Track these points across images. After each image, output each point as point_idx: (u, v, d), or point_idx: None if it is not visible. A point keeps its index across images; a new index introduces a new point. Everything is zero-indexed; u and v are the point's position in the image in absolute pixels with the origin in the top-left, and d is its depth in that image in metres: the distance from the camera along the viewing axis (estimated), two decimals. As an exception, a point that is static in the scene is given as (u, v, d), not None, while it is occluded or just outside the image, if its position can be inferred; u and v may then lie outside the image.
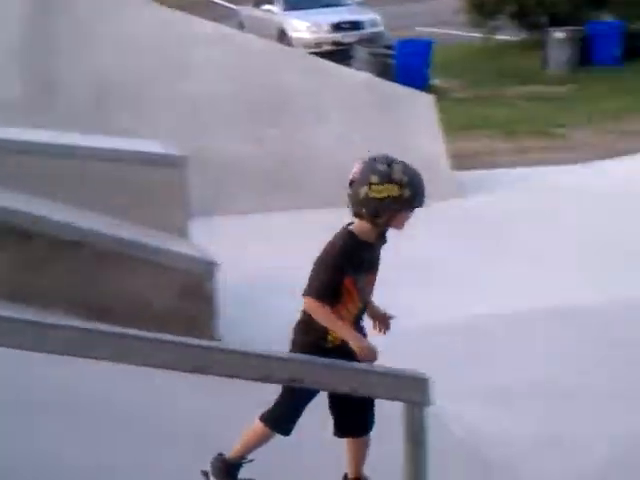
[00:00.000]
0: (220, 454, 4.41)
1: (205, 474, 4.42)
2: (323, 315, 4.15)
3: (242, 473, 4.40)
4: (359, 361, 4.01)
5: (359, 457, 4.37)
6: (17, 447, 4.63)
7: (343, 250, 4.17)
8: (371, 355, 4.11)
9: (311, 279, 4.20)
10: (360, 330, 4.29)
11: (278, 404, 4.31)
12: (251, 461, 4.39)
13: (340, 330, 4.16)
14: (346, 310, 4.22)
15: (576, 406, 5.43)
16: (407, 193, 4.10)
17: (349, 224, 4.26)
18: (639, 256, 7.89)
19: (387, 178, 4.09)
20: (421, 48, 20.58)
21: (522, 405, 5.58)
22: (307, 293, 4.17)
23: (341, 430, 4.35)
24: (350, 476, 4.39)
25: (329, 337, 4.22)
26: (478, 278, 7.98)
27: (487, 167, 12.83)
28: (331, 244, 4.22)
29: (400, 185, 4.09)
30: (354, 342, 4.13)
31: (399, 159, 4.16)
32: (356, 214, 4.20)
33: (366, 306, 4.32)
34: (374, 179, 4.09)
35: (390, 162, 4.13)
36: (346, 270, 4.15)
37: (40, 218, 6.32)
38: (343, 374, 3.66)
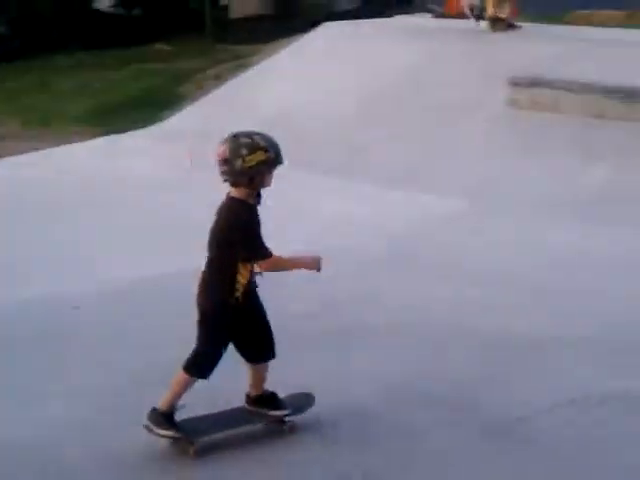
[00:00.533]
0: (154, 408, 5.08)
1: (147, 427, 5.07)
2: (279, 263, 5.05)
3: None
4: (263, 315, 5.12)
5: (263, 378, 5.26)
6: None
7: (248, 212, 4.96)
8: (318, 260, 5.08)
9: (247, 249, 4.95)
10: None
11: (199, 353, 5.06)
12: (183, 406, 5.10)
13: (296, 262, 5.16)
14: (276, 256, 5.02)
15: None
16: (271, 155, 4.93)
17: (230, 195, 5.00)
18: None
19: (254, 148, 4.89)
20: None
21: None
22: (260, 258, 4.96)
23: (252, 359, 5.20)
24: (254, 394, 5.28)
25: (236, 294, 5.00)
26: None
27: None
28: (232, 213, 4.97)
29: (265, 150, 4.91)
30: (308, 261, 5.11)
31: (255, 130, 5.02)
32: (234, 184, 4.96)
33: None
34: (244, 151, 4.88)
35: (249, 134, 4.96)
36: (256, 228, 4.97)
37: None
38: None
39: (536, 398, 5.55)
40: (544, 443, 5.07)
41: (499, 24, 13.57)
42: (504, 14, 13.57)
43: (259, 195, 5.03)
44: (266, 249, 4.96)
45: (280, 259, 5.01)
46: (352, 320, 6.63)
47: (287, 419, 5.30)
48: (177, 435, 5.09)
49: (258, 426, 5.27)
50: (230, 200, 5.01)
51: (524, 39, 13.09)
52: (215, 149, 4.95)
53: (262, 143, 4.93)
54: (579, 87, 11.12)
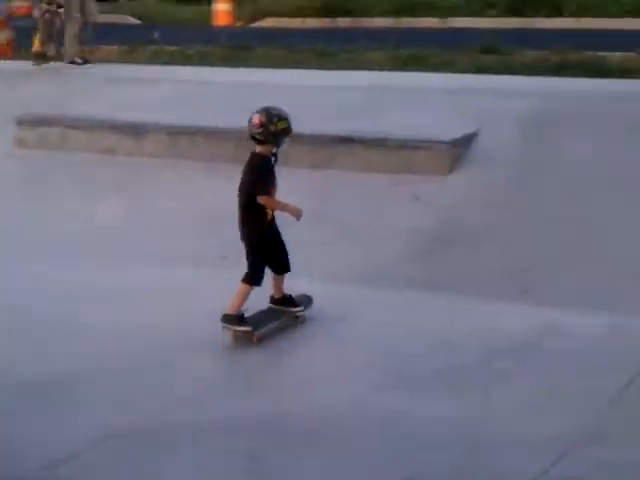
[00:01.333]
0: (225, 313, 6.81)
1: (226, 327, 6.82)
2: (274, 202, 6.91)
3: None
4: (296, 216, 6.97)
5: (282, 285, 7.14)
6: None
7: (264, 163, 6.84)
8: (300, 211, 6.96)
9: (255, 187, 6.79)
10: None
11: (251, 266, 6.86)
12: (247, 310, 6.86)
13: (283, 206, 6.92)
14: (274, 196, 6.91)
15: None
16: (289, 124, 6.84)
17: (254, 152, 6.89)
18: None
19: (281, 117, 6.81)
20: None
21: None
22: (259, 194, 6.78)
23: (277, 271, 7.08)
24: (277, 296, 7.12)
25: (266, 220, 6.90)
26: None
27: None
28: (253, 164, 6.88)
29: (286, 120, 6.83)
30: (293, 209, 6.94)
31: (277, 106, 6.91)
32: (263, 142, 6.80)
33: None
34: (275, 119, 6.77)
35: (276, 108, 6.88)
36: (270, 176, 6.86)
37: None
38: None
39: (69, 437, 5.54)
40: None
41: (42, 60, 13.76)
42: (50, 51, 13.94)
43: (275, 154, 6.85)
44: (265, 190, 6.80)
45: (274, 200, 6.89)
46: None
47: (299, 314, 7.15)
48: (249, 329, 6.82)
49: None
50: (255, 155, 6.89)
51: (25, 78, 13.05)
52: (250, 117, 6.81)
53: (285, 115, 6.85)
54: (86, 124, 11.25)
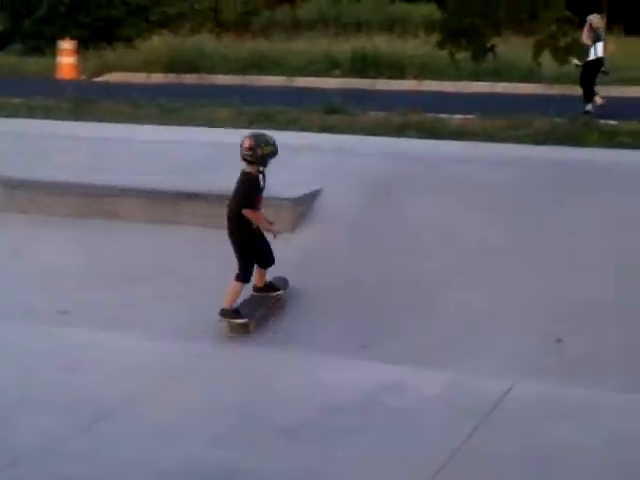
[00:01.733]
0: (223, 308, 7.90)
1: (227, 321, 7.91)
2: (256, 216, 8.04)
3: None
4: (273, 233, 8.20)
5: (265, 276, 8.34)
6: None
7: (252, 180, 8.04)
8: (276, 230, 8.18)
9: (242, 202, 8.01)
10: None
11: (241, 268, 8.01)
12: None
13: (262, 222, 8.08)
14: (259, 211, 8.07)
15: None
16: (275, 148, 8.02)
17: (244, 170, 8.07)
18: None
19: (268, 142, 8.02)
20: None
21: None
22: (245, 207, 7.98)
23: (263, 265, 8.27)
24: (259, 285, 8.33)
25: (252, 228, 8.05)
26: None
27: None
28: (243, 180, 8.09)
29: (273, 144, 8.01)
30: (268, 225, 8.13)
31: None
32: (252, 163, 7.99)
33: None
34: (262, 144, 7.97)
35: (264, 134, 8.20)
36: (256, 192, 8.06)
37: None
38: None
39: None
40: None
41: None
42: None
43: (262, 172, 8.04)
44: (250, 204, 7.99)
45: (256, 214, 8.04)
46: None
47: (279, 296, 8.31)
48: (245, 320, 7.93)
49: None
50: (245, 174, 8.07)
51: None
52: (241, 141, 7.97)
53: (272, 141, 8.04)
54: None
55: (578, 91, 18.54)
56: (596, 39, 17.77)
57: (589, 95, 17.88)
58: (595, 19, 18.04)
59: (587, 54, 17.24)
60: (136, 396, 6.68)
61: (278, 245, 8.43)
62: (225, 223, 8.22)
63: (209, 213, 9.70)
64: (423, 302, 8.20)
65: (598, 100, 17.87)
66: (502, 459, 5.76)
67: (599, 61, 18.02)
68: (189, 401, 6.64)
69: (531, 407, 6.49)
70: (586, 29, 17.68)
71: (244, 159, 8.05)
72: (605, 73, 18.40)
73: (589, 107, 17.63)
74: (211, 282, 8.53)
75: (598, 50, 17.91)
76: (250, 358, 7.50)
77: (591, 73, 17.90)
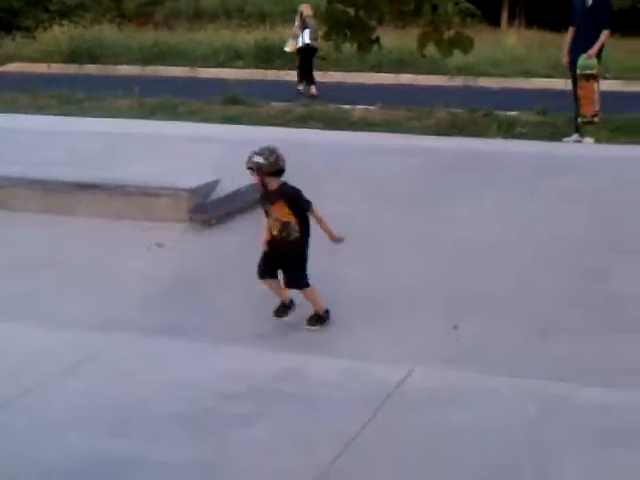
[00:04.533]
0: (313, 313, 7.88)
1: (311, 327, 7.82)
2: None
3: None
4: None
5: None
6: None
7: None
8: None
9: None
10: None
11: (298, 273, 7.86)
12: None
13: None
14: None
15: None
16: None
17: (284, 183, 7.96)
18: None
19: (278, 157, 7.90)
20: None
21: None
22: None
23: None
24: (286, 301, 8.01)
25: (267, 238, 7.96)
26: None
27: None
28: (295, 189, 7.97)
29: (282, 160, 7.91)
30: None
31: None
32: (277, 175, 7.89)
33: None
34: (277, 158, 7.87)
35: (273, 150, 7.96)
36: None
37: None
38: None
39: None
40: None
41: None
42: None
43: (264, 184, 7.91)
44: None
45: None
46: None
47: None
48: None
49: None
50: (285, 185, 7.91)
51: None
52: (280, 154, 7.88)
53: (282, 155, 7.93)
54: None
55: (479, 82, 18.86)
56: (304, 27, 19.39)
57: (309, 78, 19.53)
58: (305, 8, 19.72)
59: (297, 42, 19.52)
60: (28, 388, 6.56)
61: (174, 234, 8.37)
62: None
63: (105, 203, 9.61)
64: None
65: (313, 89, 19.25)
66: (401, 445, 5.78)
67: (309, 48, 19.52)
68: (83, 393, 6.54)
69: (428, 393, 6.53)
70: (297, 17, 19.73)
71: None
72: (322, 58, 20.59)
73: (301, 87, 19.42)
74: (105, 273, 8.44)
75: (305, 37, 19.45)
76: (145, 348, 7.42)
77: (304, 58, 19.56)
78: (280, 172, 7.91)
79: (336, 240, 7.89)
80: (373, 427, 6.02)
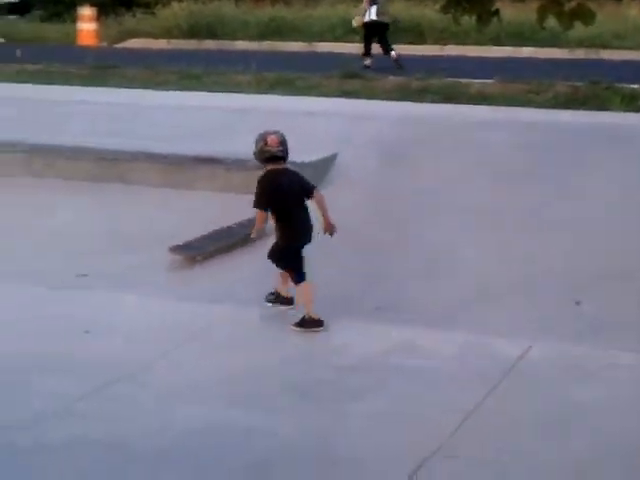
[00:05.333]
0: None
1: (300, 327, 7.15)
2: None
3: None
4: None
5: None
6: None
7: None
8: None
9: (310, 186, 7.32)
10: None
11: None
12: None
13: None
14: None
15: None
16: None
17: (285, 167, 7.33)
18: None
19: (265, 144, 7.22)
20: None
21: None
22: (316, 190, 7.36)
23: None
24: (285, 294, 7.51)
25: None
26: None
27: None
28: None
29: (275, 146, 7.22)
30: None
31: None
32: (272, 162, 7.27)
33: None
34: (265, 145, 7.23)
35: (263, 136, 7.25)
36: None
37: None
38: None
39: None
40: None
41: None
42: None
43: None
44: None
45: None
46: None
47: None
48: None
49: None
50: (288, 170, 7.35)
51: None
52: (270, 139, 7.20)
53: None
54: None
55: (601, 55, 18.49)
56: (373, 3, 19.33)
57: (367, 51, 19.58)
58: None
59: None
60: (153, 358, 6.68)
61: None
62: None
63: (225, 178, 9.70)
64: (438, 265, 8.17)
65: (394, 54, 19.34)
66: (520, 420, 5.73)
67: (376, 23, 19.44)
68: (202, 364, 6.63)
69: (548, 368, 6.45)
70: None
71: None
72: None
73: (368, 62, 19.25)
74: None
75: (372, 13, 19.41)
76: (265, 320, 7.49)
77: (369, 34, 19.58)
78: (273, 159, 7.29)
79: (330, 229, 7.42)
80: (492, 401, 5.99)
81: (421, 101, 13.31)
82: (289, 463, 5.25)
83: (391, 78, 15.70)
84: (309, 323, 7.14)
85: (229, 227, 8.81)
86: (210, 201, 9.51)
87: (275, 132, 7.31)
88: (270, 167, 7.30)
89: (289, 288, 7.51)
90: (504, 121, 11.23)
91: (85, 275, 8.32)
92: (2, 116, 11.76)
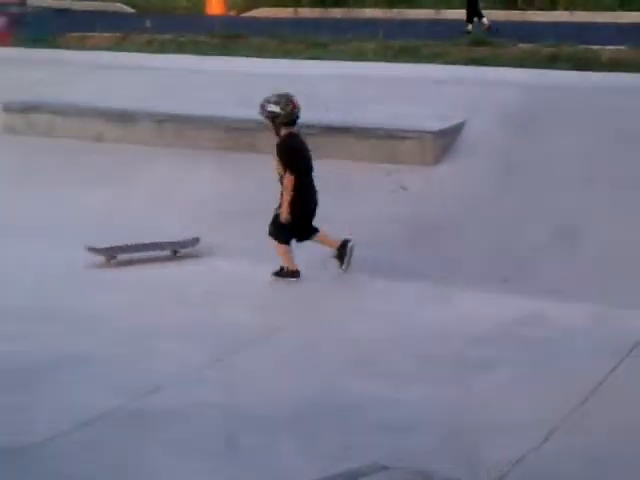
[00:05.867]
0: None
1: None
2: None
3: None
4: None
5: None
6: None
7: None
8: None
9: (287, 159, 7.60)
10: None
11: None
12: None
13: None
14: None
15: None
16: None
17: (289, 133, 7.67)
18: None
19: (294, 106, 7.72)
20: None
21: None
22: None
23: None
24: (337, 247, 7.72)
25: None
26: None
27: None
28: (290, 144, 7.72)
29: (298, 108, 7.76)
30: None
31: None
32: (291, 125, 7.70)
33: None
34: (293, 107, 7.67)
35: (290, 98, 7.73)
36: None
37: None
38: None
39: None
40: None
41: None
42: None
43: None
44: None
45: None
46: None
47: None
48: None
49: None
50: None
51: (15, 64, 13.06)
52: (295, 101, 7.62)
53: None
54: (75, 110, 11.24)
55: None
56: None
57: (478, 15, 19.43)
58: None
59: None
60: (276, 328, 6.77)
61: (418, 178, 8.36)
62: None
63: (352, 146, 9.70)
64: (567, 236, 8.05)
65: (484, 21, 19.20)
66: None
67: None
68: (327, 332, 6.69)
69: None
70: None
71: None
72: None
73: (469, 27, 19.06)
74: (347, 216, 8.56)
75: None
76: (387, 291, 7.50)
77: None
78: (294, 122, 7.68)
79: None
80: (620, 373, 5.91)
81: (552, 68, 13.08)
82: (415, 432, 5.27)
83: (520, 45, 15.47)
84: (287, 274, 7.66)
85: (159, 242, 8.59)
86: (339, 170, 9.52)
87: (293, 96, 7.65)
88: (288, 130, 7.61)
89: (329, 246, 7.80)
90: (636, 87, 10.97)
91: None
92: (133, 85, 11.96)
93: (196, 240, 8.43)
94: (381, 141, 9.62)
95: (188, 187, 9.69)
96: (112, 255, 8.26)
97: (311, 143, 9.89)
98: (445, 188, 8.95)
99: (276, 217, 7.70)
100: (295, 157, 7.63)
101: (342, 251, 7.74)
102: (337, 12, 25.04)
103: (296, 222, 7.66)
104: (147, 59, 14.47)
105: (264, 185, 8.57)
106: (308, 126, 9.92)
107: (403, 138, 9.52)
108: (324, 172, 9.52)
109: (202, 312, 7.04)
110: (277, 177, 7.77)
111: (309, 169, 7.71)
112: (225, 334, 6.67)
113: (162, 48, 16.40)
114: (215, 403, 5.65)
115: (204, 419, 5.48)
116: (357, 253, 7.89)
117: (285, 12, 25.29)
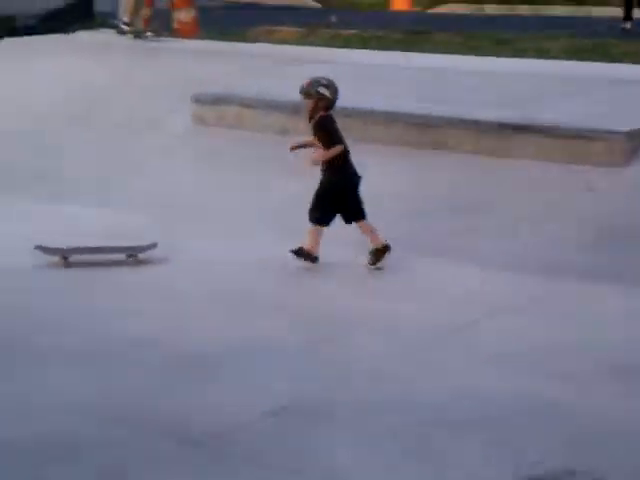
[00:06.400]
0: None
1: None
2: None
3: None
4: None
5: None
6: None
7: None
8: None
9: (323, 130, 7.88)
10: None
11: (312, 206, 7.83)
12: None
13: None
14: None
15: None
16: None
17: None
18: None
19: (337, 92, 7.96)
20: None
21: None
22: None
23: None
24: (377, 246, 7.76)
25: None
26: None
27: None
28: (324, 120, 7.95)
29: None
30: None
31: None
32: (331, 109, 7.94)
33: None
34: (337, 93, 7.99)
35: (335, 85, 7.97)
36: None
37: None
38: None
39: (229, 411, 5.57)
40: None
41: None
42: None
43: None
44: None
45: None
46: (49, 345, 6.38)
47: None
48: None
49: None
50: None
51: (205, 56, 13.37)
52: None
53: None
54: (263, 104, 11.42)
55: None
56: None
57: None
58: None
59: None
60: (465, 324, 6.76)
61: (605, 180, 8.18)
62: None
63: (538, 145, 9.59)
64: None
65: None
66: None
67: None
68: (511, 333, 6.63)
69: None
70: None
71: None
72: None
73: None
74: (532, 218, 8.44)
75: None
76: (583, 296, 7.38)
77: None
78: (332, 108, 7.95)
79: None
80: None
81: None
82: (595, 443, 5.18)
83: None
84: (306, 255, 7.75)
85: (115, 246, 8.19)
86: (519, 170, 9.43)
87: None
88: (326, 113, 7.86)
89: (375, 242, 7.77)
90: None
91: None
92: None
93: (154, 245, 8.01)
94: (567, 141, 9.48)
95: (370, 183, 9.71)
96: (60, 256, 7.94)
97: (495, 142, 9.86)
98: (633, 191, 8.75)
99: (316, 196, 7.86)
100: (336, 131, 7.88)
101: (381, 255, 7.77)
102: (524, 9, 24.75)
103: (340, 189, 7.83)
104: (332, 54, 14.58)
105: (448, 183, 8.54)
106: (500, 125, 9.91)
107: (591, 138, 9.35)
108: (506, 172, 9.48)
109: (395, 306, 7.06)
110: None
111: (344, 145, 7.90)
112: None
113: (346, 43, 16.51)
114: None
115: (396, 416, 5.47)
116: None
117: (471, 8, 25.15)
